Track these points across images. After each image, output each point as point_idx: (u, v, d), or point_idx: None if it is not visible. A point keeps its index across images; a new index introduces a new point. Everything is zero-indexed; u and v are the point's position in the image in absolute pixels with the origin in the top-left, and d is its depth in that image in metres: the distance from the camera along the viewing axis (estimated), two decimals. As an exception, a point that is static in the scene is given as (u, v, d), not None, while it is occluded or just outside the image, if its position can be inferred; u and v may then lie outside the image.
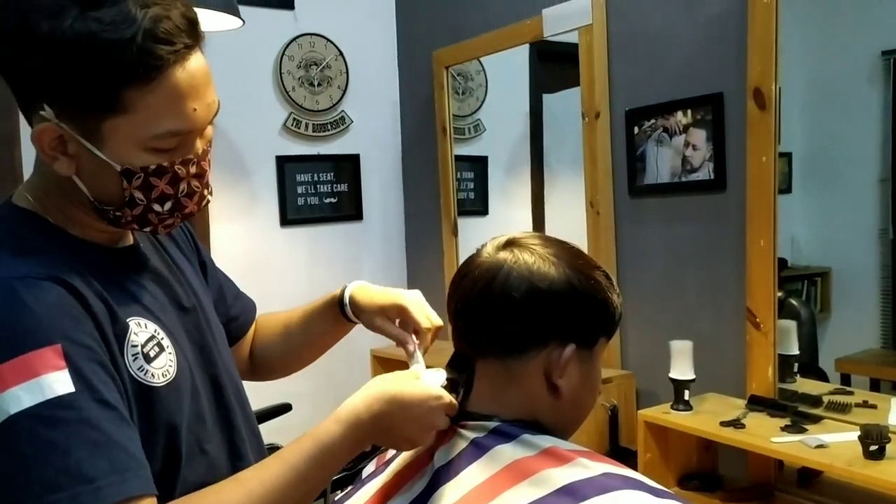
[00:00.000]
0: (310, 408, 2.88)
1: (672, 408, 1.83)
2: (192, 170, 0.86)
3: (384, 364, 2.87)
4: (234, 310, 1.19)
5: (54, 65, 0.77)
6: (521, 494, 0.77)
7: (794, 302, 1.99)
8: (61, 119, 0.80)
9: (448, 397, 0.86)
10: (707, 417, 1.76)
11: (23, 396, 0.72)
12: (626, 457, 1.97)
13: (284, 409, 2.28)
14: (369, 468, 0.97)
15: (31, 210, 0.88)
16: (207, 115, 0.85)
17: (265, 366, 1.26)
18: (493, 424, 0.85)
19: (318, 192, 3.01)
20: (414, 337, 1.04)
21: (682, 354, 1.84)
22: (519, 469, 0.79)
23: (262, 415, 2.24)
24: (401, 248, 3.22)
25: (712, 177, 2.00)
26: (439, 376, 0.89)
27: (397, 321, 1.07)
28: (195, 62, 0.82)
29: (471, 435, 0.85)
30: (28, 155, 2.21)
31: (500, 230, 0.93)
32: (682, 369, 1.83)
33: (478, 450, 0.83)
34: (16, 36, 0.77)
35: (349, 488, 0.97)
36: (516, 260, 0.85)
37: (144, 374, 0.85)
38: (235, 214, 2.83)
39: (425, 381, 0.88)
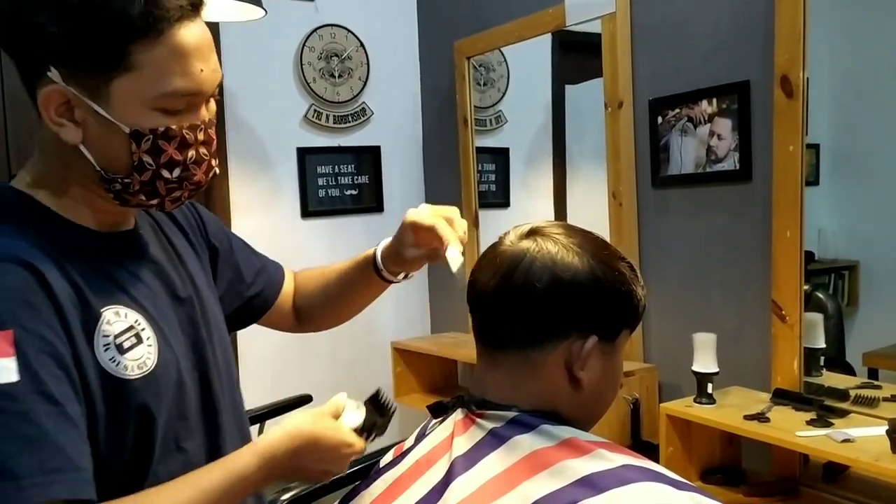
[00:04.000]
0: (329, 398, 2.90)
1: (695, 401, 1.80)
2: (200, 136, 0.86)
3: (404, 356, 2.87)
4: (256, 286, 1.20)
5: (62, 22, 0.77)
6: (540, 485, 0.76)
7: (820, 295, 1.95)
8: (68, 82, 0.79)
9: (359, 449, 0.93)
10: (730, 411, 1.74)
11: None
12: (648, 450, 1.95)
13: (305, 400, 2.28)
14: (387, 458, 0.96)
15: (24, 191, 0.86)
16: (213, 79, 0.86)
17: (309, 319, 1.29)
18: (511, 414, 0.84)
19: (339, 183, 3.01)
20: (445, 237, 1.04)
21: (705, 347, 1.81)
22: (537, 459, 0.78)
23: (283, 406, 2.24)
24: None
25: (738, 167, 1.97)
26: (356, 417, 0.95)
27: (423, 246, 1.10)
28: (199, 26, 0.83)
29: (489, 425, 0.84)
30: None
31: (521, 222, 0.92)
32: (705, 362, 1.81)
33: (496, 440, 0.82)
34: None
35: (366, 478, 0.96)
36: (539, 249, 0.84)
37: (116, 366, 0.83)
38: (257, 206, 2.84)
39: (346, 420, 0.94)
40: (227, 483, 0.83)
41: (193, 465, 0.90)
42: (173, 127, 0.84)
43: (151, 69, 0.80)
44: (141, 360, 0.86)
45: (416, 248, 1.10)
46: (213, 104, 0.89)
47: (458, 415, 0.88)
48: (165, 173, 0.85)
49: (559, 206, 2.80)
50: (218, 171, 0.92)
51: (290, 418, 0.90)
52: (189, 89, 0.83)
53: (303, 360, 2.83)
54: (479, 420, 0.86)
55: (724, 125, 2.00)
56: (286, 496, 1.27)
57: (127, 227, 0.94)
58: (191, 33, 0.82)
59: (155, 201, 0.88)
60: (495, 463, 0.80)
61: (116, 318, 0.85)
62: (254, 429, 2.24)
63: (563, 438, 0.80)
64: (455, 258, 1.01)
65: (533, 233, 0.87)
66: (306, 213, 2.93)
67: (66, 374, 0.76)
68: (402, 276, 1.18)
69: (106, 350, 0.82)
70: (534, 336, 0.84)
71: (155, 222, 1.02)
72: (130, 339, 0.85)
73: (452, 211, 1.09)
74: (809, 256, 1.86)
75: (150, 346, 0.87)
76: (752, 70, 1.91)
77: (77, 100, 0.81)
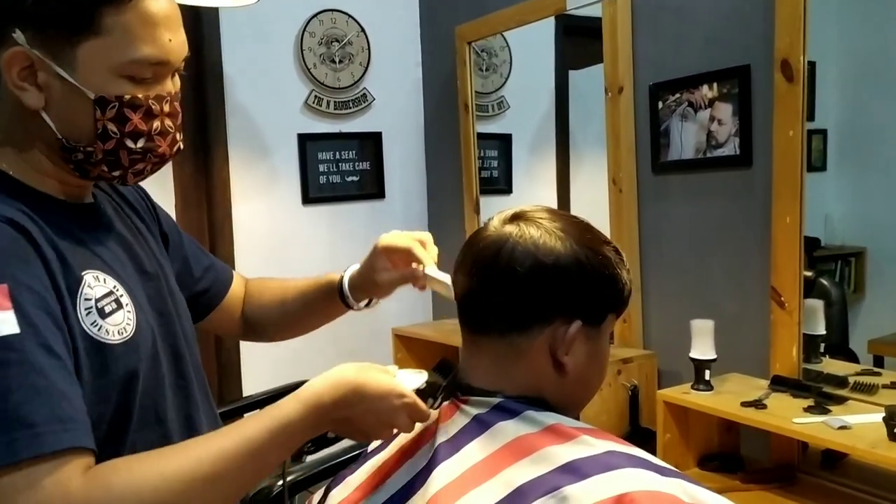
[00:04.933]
0: (332, 385, 2.90)
1: (692, 388, 1.80)
2: (166, 108, 0.86)
3: (406, 343, 2.87)
4: (204, 283, 1.17)
5: None
6: (522, 471, 0.75)
7: (824, 282, 1.94)
8: (33, 45, 0.78)
9: (413, 399, 0.82)
10: (728, 398, 1.73)
11: None
12: (647, 437, 1.94)
13: (304, 386, 2.29)
14: (375, 443, 0.96)
15: None
16: (181, 51, 0.86)
17: (258, 330, 1.26)
18: (496, 400, 0.83)
19: (340, 170, 3.01)
20: (422, 259, 1.05)
21: (703, 334, 1.80)
22: (520, 446, 0.78)
23: (283, 392, 2.23)
24: (423, 227, 3.20)
25: (738, 152, 1.95)
26: (416, 378, 0.86)
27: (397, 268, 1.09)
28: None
29: (473, 411, 0.84)
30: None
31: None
32: (702, 349, 1.80)
33: (479, 426, 0.82)
34: None
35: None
36: (521, 234, 0.84)
37: (98, 330, 0.81)
38: (257, 193, 2.83)
39: (397, 378, 0.85)
40: (272, 432, 0.78)
41: (171, 437, 0.90)
42: (139, 96, 0.83)
43: (120, 35, 0.79)
44: (121, 325, 0.84)
45: (388, 271, 1.09)
46: (177, 79, 0.89)
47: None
48: (129, 143, 0.84)
49: (562, 192, 2.78)
50: (182, 145, 0.91)
51: (335, 368, 0.85)
52: (157, 57, 0.82)
53: (302, 346, 2.80)
54: (463, 406, 0.85)
55: (725, 110, 1.98)
56: (284, 480, 1.28)
57: (87, 200, 0.93)
58: (160, 3, 0.82)
59: (117, 173, 0.87)
60: (478, 449, 0.80)
61: (96, 283, 0.83)
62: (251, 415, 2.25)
63: (547, 425, 0.80)
64: (443, 275, 0.97)
65: (517, 217, 0.86)
66: (307, 199, 2.92)
67: (60, 331, 0.75)
68: (365, 303, 1.17)
69: (88, 313, 0.81)
70: (517, 321, 0.83)
71: (113, 200, 1.00)
72: (111, 304, 0.84)
73: (426, 235, 1.09)
74: (815, 243, 1.85)
75: (129, 311, 0.86)
76: (752, 54, 1.89)
77: (41, 63, 0.79)
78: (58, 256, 0.80)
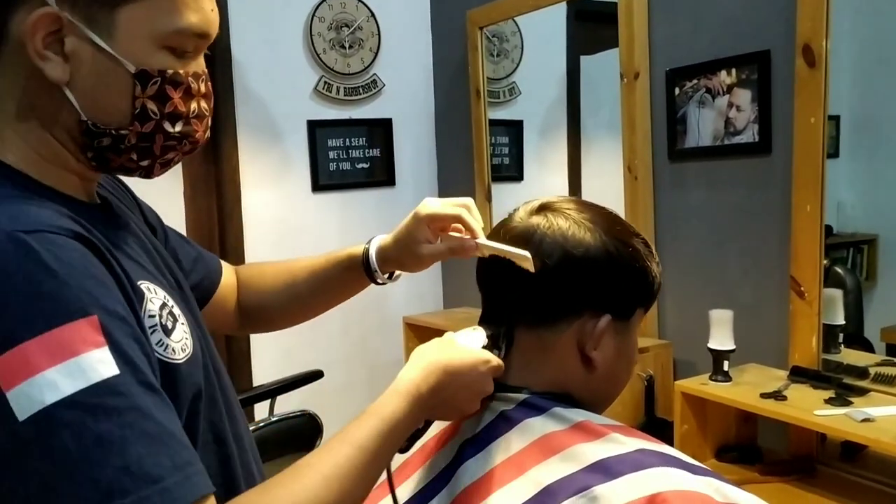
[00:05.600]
0: (342, 375, 2.90)
1: (710, 379, 1.77)
2: (202, 88, 0.77)
3: (416, 331, 2.85)
4: (195, 275, 1.04)
5: None
6: (551, 470, 0.73)
7: (839, 270, 1.91)
8: (63, 7, 0.66)
9: (497, 361, 0.81)
10: (747, 389, 1.71)
11: (61, 381, 0.57)
12: (662, 428, 1.92)
13: (316, 375, 2.28)
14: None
15: None
16: (217, 25, 0.77)
17: (261, 318, 1.15)
18: (522, 396, 0.81)
19: (350, 157, 2.98)
20: (474, 229, 0.93)
21: (721, 324, 1.78)
22: (549, 444, 0.76)
23: (294, 382, 2.24)
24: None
25: (757, 139, 1.92)
26: (478, 336, 0.83)
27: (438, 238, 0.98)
28: None
29: (499, 407, 0.82)
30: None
31: (535, 196, 0.88)
32: (721, 339, 1.77)
33: (506, 423, 0.80)
34: None
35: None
36: (550, 225, 0.81)
37: (164, 350, 0.71)
38: (267, 180, 2.81)
39: (468, 344, 0.82)
40: (384, 434, 0.73)
41: (231, 458, 0.82)
42: (181, 72, 0.73)
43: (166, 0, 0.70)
44: (182, 341, 0.74)
45: (432, 243, 0.98)
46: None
47: None
48: (167, 126, 0.73)
49: (573, 179, 2.76)
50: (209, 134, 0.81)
51: (417, 353, 0.81)
52: (201, 27, 0.73)
53: (314, 335, 2.82)
54: (488, 402, 0.83)
55: (744, 96, 1.94)
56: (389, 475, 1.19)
57: (95, 199, 0.80)
58: None
59: (146, 162, 0.75)
60: (505, 447, 0.78)
61: (152, 295, 0.73)
62: (264, 405, 2.24)
63: (575, 422, 0.78)
64: (501, 245, 0.84)
65: (543, 208, 0.84)
66: (317, 186, 2.90)
67: (147, 359, 0.65)
68: (387, 276, 1.06)
69: (153, 332, 0.70)
70: (545, 315, 0.81)
71: (112, 195, 0.87)
72: (169, 319, 0.73)
73: (468, 201, 0.98)
74: (828, 230, 1.82)
75: (182, 324, 0.76)
76: (772, 39, 1.85)
77: (72, 28, 0.67)
78: (119, 267, 0.68)
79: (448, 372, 0.78)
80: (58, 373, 0.58)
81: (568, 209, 0.83)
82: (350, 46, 2.90)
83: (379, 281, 1.06)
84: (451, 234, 0.96)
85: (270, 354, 2.75)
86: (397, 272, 1.07)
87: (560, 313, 0.81)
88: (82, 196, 0.75)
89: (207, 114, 0.78)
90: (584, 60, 2.77)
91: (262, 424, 2.06)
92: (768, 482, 1.69)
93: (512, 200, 0.88)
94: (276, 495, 0.66)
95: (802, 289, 1.78)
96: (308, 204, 2.90)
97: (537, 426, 0.78)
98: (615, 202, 2.28)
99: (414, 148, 3.12)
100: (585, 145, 2.76)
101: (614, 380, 0.86)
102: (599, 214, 0.84)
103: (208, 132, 0.80)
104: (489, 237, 0.88)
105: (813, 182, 1.74)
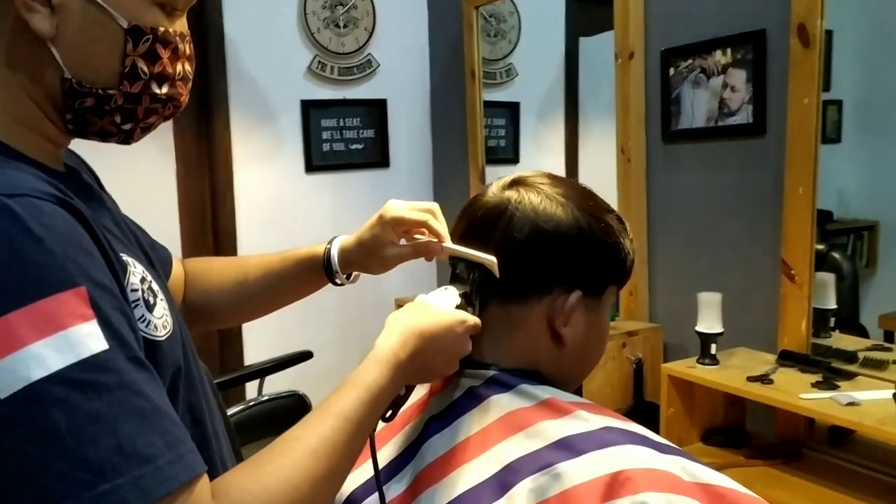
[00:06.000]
0: (333, 355, 2.89)
1: (698, 362, 1.76)
2: (187, 49, 0.74)
3: (409, 312, 2.84)
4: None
5: None
6: (515, 447, 0.72)
7: (836, 255, 1.89)
8: None
9: (474, 321, 0.79)
10: (734, 372, 1.70)
11: (48, 356, 0.54)
12: (650, 411, 1.92)
13: (306, 356, 2.27)
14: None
15: None
16: None
17: (206, 315, 1.08)
18: (490, 373, 0.80)
19: (343, 137, 2.96)
20: (440, 233, 0.91)
21: (709, 307, 1.76)
22: (514, 420, 0.75)
23: (283, 362, 2.23)
24: (428, 197, 3.17)
25: (751, 120, 1.89)
26: (450, 296, 0.81)
27: (401, 240, 0.96)
28: None
29: (467, 383, 0.81)
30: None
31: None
32: (709, 322, 1.76)
33: (473, 399, 0.79)
34: None
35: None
36: (521, 200, 0.80)
37: (147, 326, 0.68)
38: (259, 160, 2.79)
39: (441, 305, 0.80)
40: (366, 403, 0.72)
41: (209, 439, 0.80)
42: (171, 30, 0.70)
43: None
44: (163, 318, 0.72)
45: (397, 245, 0.96)
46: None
47: None
48: (155, 87, 0.70)
49: (571, 162, 2.74)
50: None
51: (392, 320, 0.79)
52: None
53: (306, 316, 2.81)
54: (456, 378, 0.82)
55: (738, 76, 1.91)
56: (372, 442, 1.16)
57: (62, 168, 0.75)
58: None
59: (128, 126, 0.72)
60: (471, 423, 0.77)
61: (133, 269, 0.69)
62: (254, 384, 2.24)
63: (541, 399, 0.76)
64: (465, 249, 0.83)
65: (516, 183, 0.82)
66: (310, 167, 2.89)
67: (134, 333, 0.63)
68: (346, 276, 1.04)
69: (136, 306, 0.67)
70: (515, 290, 0.80)
71: (77, 167, 0.83)
72: (150, 294, 0.71)
73: (433, 206, 0.96)
74: (828, 216, 1.81)
75: (161, 300, 0.73)
76: (768, 18, 1.82)
77: None
78: (105, 239, 0.65)
79: (424, 337, 0.77)
80: (45, 347, 0.55)
81: (541, 184, 0.82)
82: (345, 25, 2.88)
83: (338, 282, 1.04)
84: (417, 236, 0.95)
85: (262, 334, 2.75)
86: (356, 273, 1.05)
87: (530, 289, 0.79)
88: (52, 163, 0.71)
89: (190, 77, 0.76)
90: (584, 42, 2.74)
91: (251, 404, 2.06)
92: (754, 465, 1.68)
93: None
94: (266, 471, 0.65)
95: (793, 272, 1.77)
96: (301, 184, 2.88)
97: (504, 402, 0.77)
98: (612, 184, 2.26)
99: (408, 129, 3.10)
100: (584, 128, 2.74)
101: (585, 357, 0.84)
102: (573, 189, 0.82)
103: (187, 97, 0.77)
104: (463, 211, 0.87)
105: (806, 164, 1.72)
